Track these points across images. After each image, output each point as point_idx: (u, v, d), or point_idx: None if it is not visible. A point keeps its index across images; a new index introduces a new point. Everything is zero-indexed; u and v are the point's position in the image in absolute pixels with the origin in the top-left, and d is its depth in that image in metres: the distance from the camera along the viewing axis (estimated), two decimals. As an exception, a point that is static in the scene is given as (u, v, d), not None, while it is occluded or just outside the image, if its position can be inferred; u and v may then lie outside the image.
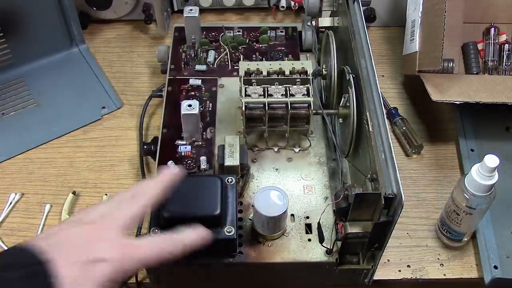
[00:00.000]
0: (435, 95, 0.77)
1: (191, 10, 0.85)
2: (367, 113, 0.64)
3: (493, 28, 0.89)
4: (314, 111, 0.72)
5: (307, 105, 0.71)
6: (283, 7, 0.97)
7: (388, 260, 0.72)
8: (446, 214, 0.69)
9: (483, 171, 0.62)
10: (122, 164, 0.81)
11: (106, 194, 0.76)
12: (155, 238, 0.56)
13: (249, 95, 0.70)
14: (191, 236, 0.54)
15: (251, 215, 0.68)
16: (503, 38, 0.90)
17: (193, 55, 0.86)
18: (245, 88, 0.71)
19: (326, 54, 0.79)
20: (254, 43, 0.89)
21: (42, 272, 0.43)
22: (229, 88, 0.82)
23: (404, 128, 0.83)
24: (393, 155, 0.57)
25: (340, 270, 0.65)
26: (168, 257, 0.51)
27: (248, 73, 0.72)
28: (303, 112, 0.71)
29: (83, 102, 0.88)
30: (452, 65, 0.86)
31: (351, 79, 0.68)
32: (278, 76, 0.72)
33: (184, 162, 0.72)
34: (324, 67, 0.78)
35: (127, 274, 0.48)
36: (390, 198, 0.55)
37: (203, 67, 0.85)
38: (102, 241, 0.48)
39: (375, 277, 0.68)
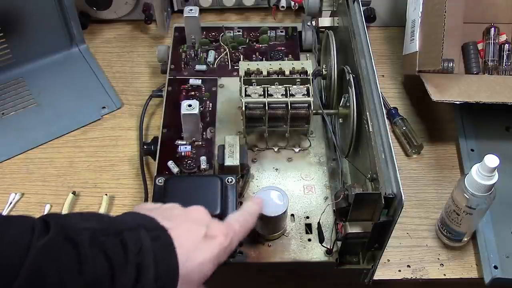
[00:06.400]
0: (435, 95, 0.77)
1: (191, 10, 0.85)
2: (367, 113, 0.64)
3: (493, 28, 0.89)
4: (314, 111, 0.72)
5: (307, 105, 0.71)
6: (283, 7, 0.97)
7: (388, 260, 0.72)
8: (446, 214, 0.69)
9: (483, 171, 0.62)
10: (122, 164, 0.81)
11: (106, 194, 0.76)
12: (241, 217, 0.58)
13: (249, 95, 0.70)
14: (254, 207, 0.60)
15: (251, 215, 0.68)
16: (503, 38, 0.90)
17: (193, 55, 0.86)
18: (245, 88, 0.71)
19: (326, 54, 0.79)
20: (254, 43, 0.89)
21: (164, 236, 0.48)
22: (229, 88, 0.82)
23: (404, 128, 0.83)
24: (393, 155, 0.57)
25: (340, 270, 0.65)
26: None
27: (248, 73, 0.72)
28: (303, 112, 0.71)
29: (83, 102, 0.88)
30: (452, 65, 0.86)
31: (351, 79, 0.68)
32: (278, 76, 0.72)
33: (184, 162, 0.72)
34: (324, 67, 0.78)
35: (228, 254, 0.53)
36: (390, 198, 0.55)
37: (203, 67, 0.85)
38: (213, 221, 0.54)
39: (375, 277, 0.68)
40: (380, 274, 0.70)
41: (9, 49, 0.88)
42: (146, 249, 0.46)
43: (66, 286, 0.43)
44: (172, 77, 0.83)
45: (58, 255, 0.43)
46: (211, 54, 0.86)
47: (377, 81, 0.64)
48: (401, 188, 0.54)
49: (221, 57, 0.86)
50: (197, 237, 0.51)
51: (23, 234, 0.43)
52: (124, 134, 0.85)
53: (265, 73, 0.72)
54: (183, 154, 0.74)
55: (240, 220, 0.56)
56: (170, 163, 0.72)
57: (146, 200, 0.75)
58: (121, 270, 0.45)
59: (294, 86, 0.71)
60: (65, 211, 0.74)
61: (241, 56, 0.86)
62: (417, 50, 0.81)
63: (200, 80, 0.82)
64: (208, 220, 0.54)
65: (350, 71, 0.70)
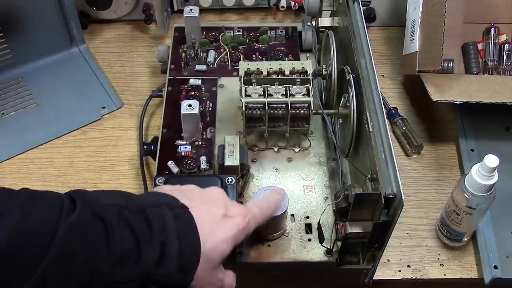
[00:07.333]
0: (435, 95, 0.77)
1: (191, 10, 0.85)
2: (367, 113, 0.64)
3: (493, 28, 0.89)
4: (314, 111, 0.72)
5: (307, 105, 0.71)
6: (283, 7, 0.97)
7: (388, 260, 0.72)
8: (446, 214, 0.69)
9: (483, 171, 0.62)
10: (122, 164, 0.81)
11: (106, 194, 0.76)
12: (262, 203, 0.60)
13: (249, 95, 0.70)
14: (276, 196, 0.62)
15: (251, 215, 0.68)
16: (503, 38, 0.90)
17: (193, 55, 0.86)
18: (245, 88, 0.71)
19: (326, 54, 0.79)
20: (254, 43, 0.89)
21: (186, 215, 0.50)
22: (229, 88, 0.82)
23: (404, 128, 0.83)
24: (393, 155, 0.57)
25: (340, 270, 0.65)
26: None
27: (248, 73, 0.72)
28: (303, 112, 0.71)
29: (83, 102, 0.88)
30: (452, 65, 0.86)
31: (351, 79, 0.68)
32: (278, 76, 0.72)
33: (184, 162, 0.72)
34: (324, 67, 0.78)
35: (246, 235, 0.55)
36: (390, 198, 0.55)
37: (203, 67, 0.85)
38: (231, 202, 0.56)
39: (375, 277, 0.68)
40: (380, 274, 0.70)
41: (9, 49, 0.88)
42: (169, 227, 0.47)
43: (95, 263, 0.43)
44: (172, 77, 0.83)
45: (87, 231, 0.43)
46: (211, 54, 0.86)
47: (377, 81, 0.64)
48: (401, 188, 0.54)
49: (221, 57, 0.86)
50: (216, 216, 0.52)
51: (51, 210, 0.43)
52: (124, 134, 0.85)
53: (265, 73, 0.72)
54: (183, 154, 0.74)
55: (260, 206, 0.58)
56: (170, 163, 0.72)
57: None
58: (147, 246, 0.46)
59: (294, 86, 0.71)
60: (65, 211, 0.74)
61: (241, 56, 0.86)
62: (417, 50, 0.81)
63: (200, 80, 0.82)
64: (226, 200, 0.56)
65: (350, 71, 0.70)
